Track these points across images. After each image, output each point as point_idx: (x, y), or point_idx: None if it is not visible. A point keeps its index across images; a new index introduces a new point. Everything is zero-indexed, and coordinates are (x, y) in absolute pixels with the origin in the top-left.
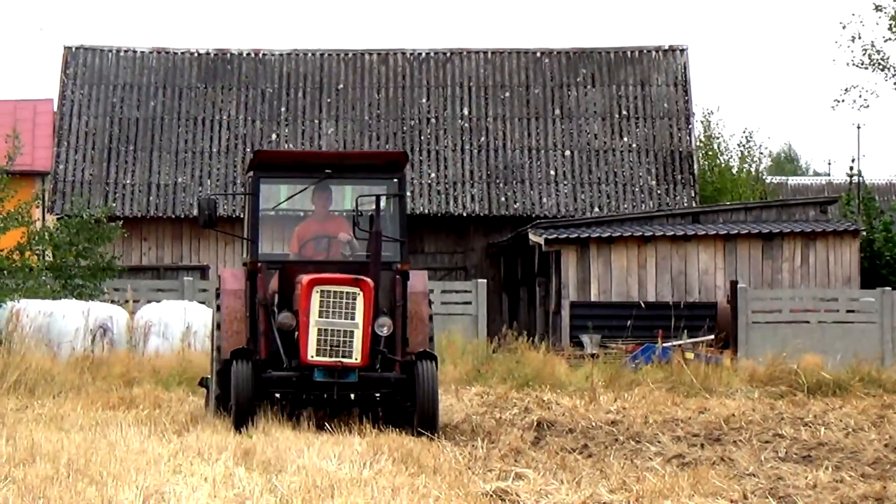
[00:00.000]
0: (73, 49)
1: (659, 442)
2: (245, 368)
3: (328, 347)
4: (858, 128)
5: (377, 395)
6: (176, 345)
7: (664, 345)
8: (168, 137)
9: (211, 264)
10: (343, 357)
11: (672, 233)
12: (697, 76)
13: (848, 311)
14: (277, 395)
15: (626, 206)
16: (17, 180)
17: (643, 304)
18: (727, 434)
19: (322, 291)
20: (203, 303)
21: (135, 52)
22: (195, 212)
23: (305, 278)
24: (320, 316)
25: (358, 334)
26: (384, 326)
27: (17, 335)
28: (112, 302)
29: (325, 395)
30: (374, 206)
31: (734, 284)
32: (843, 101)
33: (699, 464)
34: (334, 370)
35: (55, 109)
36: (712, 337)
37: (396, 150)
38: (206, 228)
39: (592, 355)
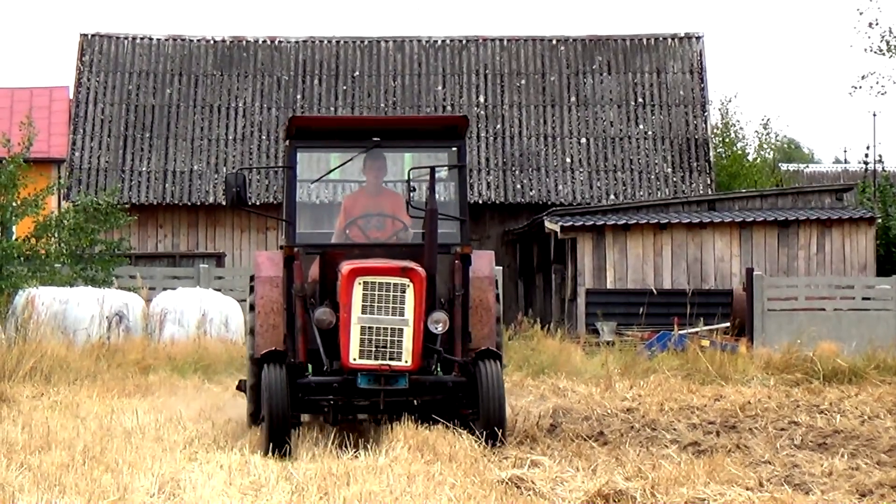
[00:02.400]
0: (89, 36)
1: (674, 429)
2: (278, 374)
3: (373, 348)
4: (874, 115)
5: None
6: (191, 332)
7: (680, 332)
8: (184, 125)
9: (227, 252)
10: (391, 359)
11: (688, 220)
12: (714, 63)
13: (864, 299)
14: (328, 404)
15: (641, 193)
16: (34, 167)
17: (656, 292)
18: (743, 421)
19: (365, 283)
20: (219, 290)
21: (150, 39)
22: (211, 199)
23: (346, 267)
24: (364, 312)
25: (408, 332)
26: (439, 323)
27: (33, 322)
28: (129, 289)
29: (372, 403)
30: (428, 179)
31: (750, 272)
32: (860, 87)
33: (715, 451)
34: (381, 375)
35: (71, 97)
36: (728, 324)
37: (455, 114)
38: (236, 208)
39: (608, 342)
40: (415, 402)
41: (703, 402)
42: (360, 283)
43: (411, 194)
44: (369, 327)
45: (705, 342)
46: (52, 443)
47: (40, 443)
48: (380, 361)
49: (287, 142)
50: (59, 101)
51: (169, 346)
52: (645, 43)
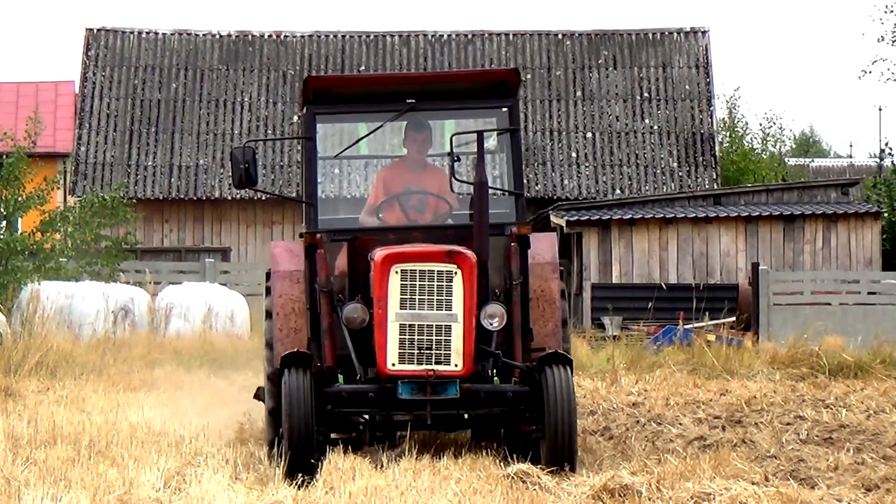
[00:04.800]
0: (95, 31)
1: (680, 424)
2: (301, 381)
3: (416, 350)
4: (880, 109)
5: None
6: (197, 327)
7: (685, 327)
8: (189, 119)
9: (233, 246)
10: (437, 363)
11: (693, 215)
12: (720, 57)
13: (869, 293)
14: (363, 420)
15: (647, 187)
16: (39, 162)
17: (664, 286)
18: (748, 416)
19: (403, 272)
20: (224, 284)
21: (156, 33)
22: (217, 194)
23: (380, 253)
24: (403, 306)
25: (457, 330)
26: (494, 318)
27: (39, 317)
28: (134, 284)
29: (416, 418)
30: (475, 147)
31: (755, 266)
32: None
33: (720, 446)
34: (425, 383)
35: (77, 91)
36: (733, 319)
37: (504, 68)
38: (244, 188)
39: (614, 337)
40: (466, 415)
41: (708, 397)
42: (397, 272)
43: (455, 165)
44: (410, 325)
45: (711, 336)
46: (57, 437)
47: (46, 437)
48: (424, 366)
49: (304, 108)
50: (65, 95)
51: (174, 340)
52: (651, 37)
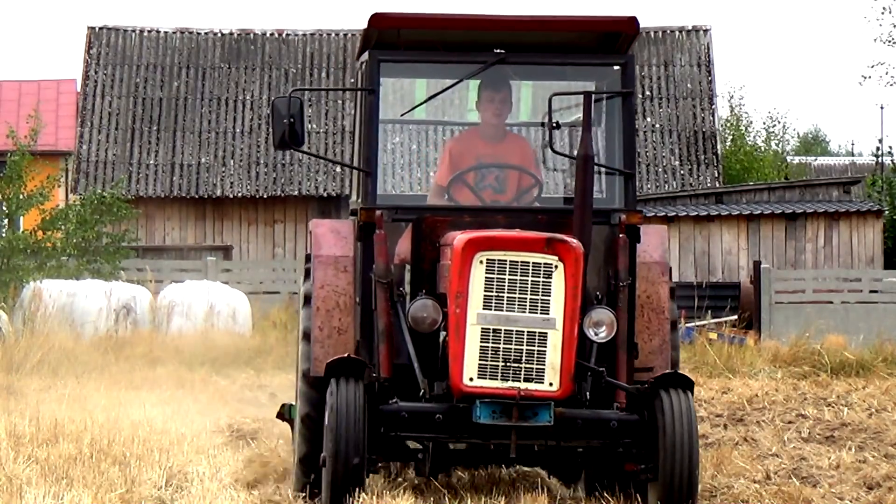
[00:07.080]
0: (97, 29)
1: None
2: (353, 396)
3: (500, 363)
4: (882, 108)
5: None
6: (199, 325)
7: (687, 325)
8: (191, 118)
9: (234, 245)
10: (527, 380)
11: (695, 213)
12: (723, 56)
13: (871, 292)
14: (425, 447)
15: (649, 186)
16: (41, 160)
17: None
18: (750, 414)
19: (490, 262)
20: (226, 283)
21: (158, 32)
22: (218, 192)
23: (461, 238)
24: (487, 306)
25: (554, 339)
26: (602, 326)
27: (40, 315)
28: (136, 282)
29: (496, 448)
30: (579, 113)
31: (757, 265)
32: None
33: (722, 444)
34: (511, 405)
35: (78, 89)
36: (735, 317)
37: (618, 16)
38: (288, 149)
39: None
40: (557, 446)
41: (710, 395)
42: (482, 262)
43: (552, 134)
44: (495, 330)
45: (713, 335)
46: (59, 435)
47: (48, 435)
48: (510, 383)
49: (365, 55)
50: (67, 93)
51: (176, 338)
52: (652, 36)
